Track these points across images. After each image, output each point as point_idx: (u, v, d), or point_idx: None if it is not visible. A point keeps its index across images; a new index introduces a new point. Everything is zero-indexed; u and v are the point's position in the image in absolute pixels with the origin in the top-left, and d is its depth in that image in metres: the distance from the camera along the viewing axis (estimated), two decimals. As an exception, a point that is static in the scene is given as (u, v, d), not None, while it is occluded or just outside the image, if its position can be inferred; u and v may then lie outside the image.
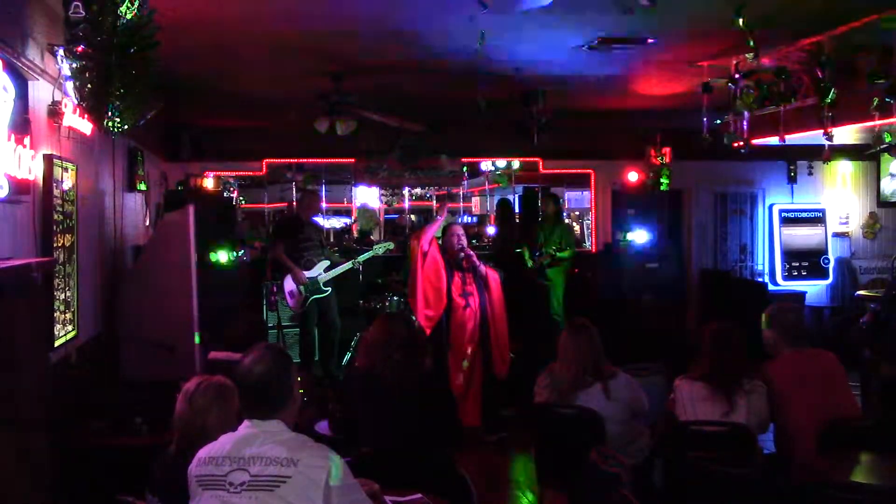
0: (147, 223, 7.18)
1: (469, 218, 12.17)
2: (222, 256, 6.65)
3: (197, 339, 5.05)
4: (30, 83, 3.66)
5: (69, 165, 4.20)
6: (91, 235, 4.91)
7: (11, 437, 2.94)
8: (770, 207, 10.31)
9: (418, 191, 11.45)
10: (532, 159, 10.00)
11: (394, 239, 9.46)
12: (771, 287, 9.89)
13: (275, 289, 7.66)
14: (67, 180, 4.16)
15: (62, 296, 4.09)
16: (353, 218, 10.99)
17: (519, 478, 5.53)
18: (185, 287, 5.17)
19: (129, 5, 3.52)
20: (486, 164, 10.58)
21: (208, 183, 8.43)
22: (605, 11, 4.63)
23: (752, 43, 4.75)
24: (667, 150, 9.20)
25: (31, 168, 3.54)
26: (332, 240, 10.01)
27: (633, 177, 9.54)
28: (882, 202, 10.20)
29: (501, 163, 10.39)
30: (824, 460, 3.49)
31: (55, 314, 3.94)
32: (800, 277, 10.12)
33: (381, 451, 3.39)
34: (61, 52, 3.62)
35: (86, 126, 4.39)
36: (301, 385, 2.90)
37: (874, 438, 3.61)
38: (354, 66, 6.10)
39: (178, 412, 2.84)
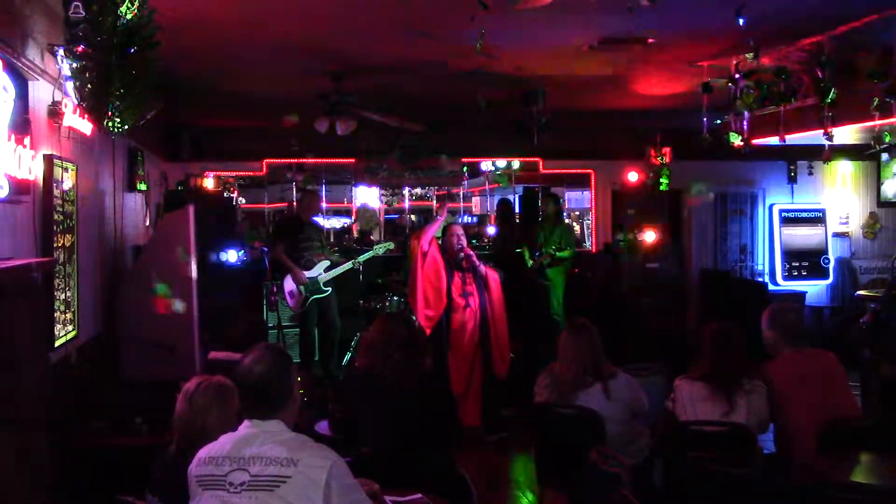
0: (147, 223, 7.18)
1: (469, 218, 12.17)
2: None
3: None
4: (30, 83, 3.66)
5: (69, 165, 4.20)
6: (91, 235, 4.92)
7: (11, 437, 2.94)
8: (770, 207, 10.31)
9: (418, 191, 11.45)
10: (532, 159, 10.00)
11: (394, 239, 9.46)
12: (771, 287, 9.89)
13: (275, 289, 7.66)
14: (67, 180, 4.16)
15: (62, 296, 4.09)
16: (353, 218, 10.99)
17: (519, 478, 5.53)
18: (185, 287, 5.17)
19: (129, 5, 3.53)
20: (486, 164, 10.58)
21: (208, 183, 8.43)
22: (605, 11, 4.63)
23: (752, 43, 4.75)
24: (667, 150, 9.20)
25: (31, 168, 3.54)
26: (332, 240, 10.01)
27: (633, 177, 9.54)
28: (882, 202, 10.21)
29: (501, 163, 10.39)
30: (824, 460, 3.49)
31: (55, 314, 3.94)
32: (800, 277, 10.13)
33: (381, 451, 3.39)
34: (61, 52, 3.62)
35: (86, 126, 4.39)
36: (301, 385, 2.91)
37: (874, 438, 3.61)
38: (354, 66, 6.10)
39: (178, 412, 2.84)
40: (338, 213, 11.35)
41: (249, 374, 2.46)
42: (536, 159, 9.97)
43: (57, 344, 3.96)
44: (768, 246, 10.34)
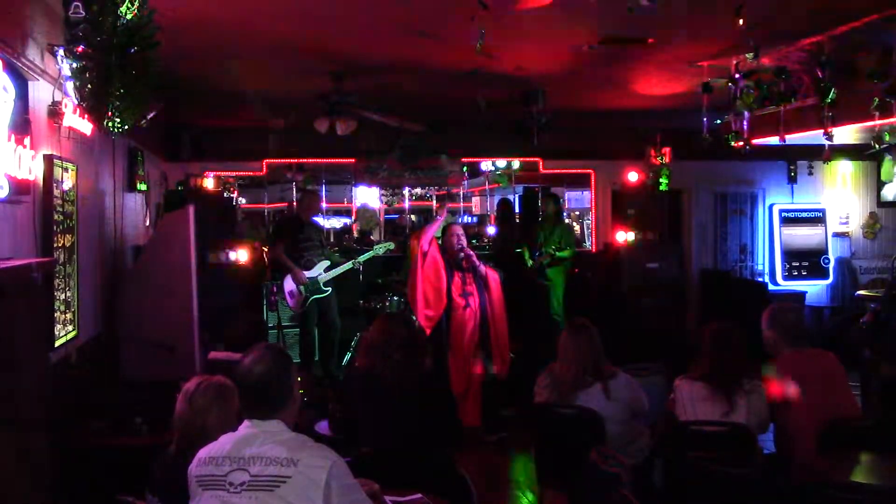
0: (147, 223, 7.18)
1: (469, 218, 12.17)
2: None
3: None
4: (30, 83, 3.67)
5: (69, 165, 4.20)
6: (91, 235, 4.91)
7: (11, 437, 2.94)
8: (770, 207, 10.31)
9: (418, 191, 11.43)
10: (532, 159, 10.00)
11: (394, 239, 9.46)
12: (771, 287, 9.89)
13: (275, 289, 7.66)
14: (67, 180, 4.16)
15: (62, 296, 4.09)
16: (353, 218, 10.99)
17: (519, 478, 5.53)
18: (185, 287, 5.17)
19: (129, 6, 3.53)
20: (486, 164, 10.58)
21: (208, 183, 8.42)
22: (605, 11, 4.63)
23: (752, 43, 4.75)
24: (667, 150, 9.20)
25: (31, 168, 3.54)
26: (332, 240, 10.01)
27: (633, 177, 9.54)
28: (882, 202, 10.21)
29: (501, 163, 10.39)
30: (824, 460, 3.49)
31: (55, 314, 3.94)
32: (800, 277, 10.13)
33: (381, 451, 3.39)
34: (61, 52, 3.62)
35: (86, 126, 4.39)
36: (301, 385, 2.91)
37: (874, 438, 3.61)
38: (354, 66, 6.10)
39: (178, 412, 2.84)
40: (338, 213, 11.35)
41: (249, 374, 2.46)
42: (536, 159, 9.97)
43: (57, 344, 3.96)
44: (768, 246, 10.34)
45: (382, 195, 11.63)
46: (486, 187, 11.89)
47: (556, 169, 10.08)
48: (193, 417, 2.79)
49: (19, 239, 3.55)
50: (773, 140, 6.15)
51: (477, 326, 6.29)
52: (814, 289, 10.05)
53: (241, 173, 9.57)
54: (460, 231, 6.48)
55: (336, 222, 11.46)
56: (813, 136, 5.70)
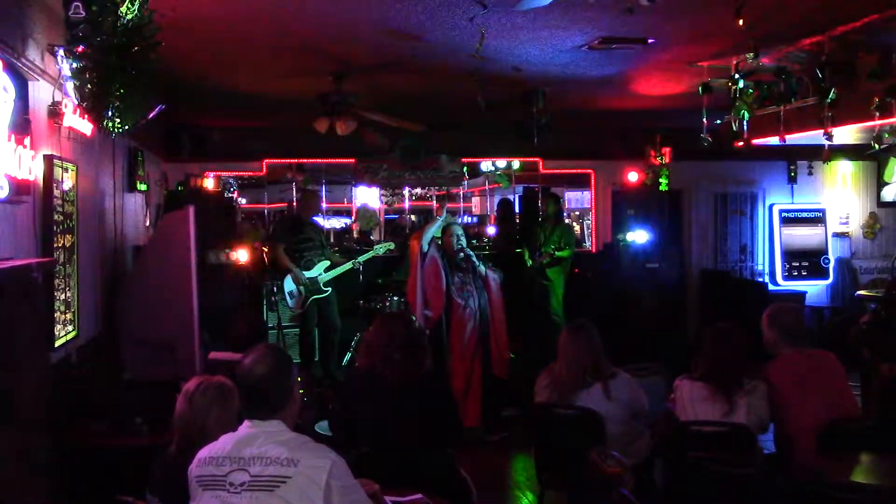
0: (147, 223, 7.18)
1: (469, 218, 12.17)
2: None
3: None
4: (30, 83, 3.67)
5: (69, 166, 4.20)
6: (91, 236, 4.92)
7: (11, 437, 2.94)
8: (770, 207, 10.31)
9: (418, 191, 11.44)
10: (532, 159, 10.00)
11: (394, 239, 9.46)
12: (771, 287, 9.89)
13: (275, 289, 7.66)
14: (68, 181, 4.16)
15: (62, 296, 4.10)
16: (353, 218, 10.99)
17: (519, 478, 5.53)
18: (185, 287, 5.17)
19: (129, 6, 3.52)
20: (486, 164, 10.58)
21: (208, 183, 8.43)
22: (605, 11, 4.63)
23: (752, 43, 4.74)
24: (667, 150, 9.19)
25: (31, 168, 3.54)
26: (332, 240, 10.01)
27: (633, 177, 9.54)
28: (882, 202, 10.21)
29: (501, 163, 10.39)
30: (824, 460, 3.49)
31: (55, 314, 3.94)
32: (800, 277, 10.13)
33: (381, 451, 3.39)
34: (61, 52, 3.62)
35: (86, 126, 4.39)
36: (301, 385, 2.91)
37: (874, 438, 3.61)
38: (354, 66, 6.10)
39: (178, 412, 2.85)
40: (338, 213, 11.35)
41: (250, 374, 2.47)
42: (536, 159, 9.97)
43: (57, 344, 3.96)
44: (768, 246, 10.34)
45: (382, 195, 11.64)
46: (486, 187, 11.89)
47: (556, 169, 10.08)
48: (194, 417, 2.79)
49: (19, 239, 3.55)
50: (773, 140, 6.14)
51: (477, 326, 6.29)
52: (814, 289, 10.05)
53: (241, 173, 9.57)
54: (460, 231, 6.49)
55: (336, 222, 11.46)
56: (813, 136, 5.69)
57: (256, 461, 2.32)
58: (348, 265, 7.74)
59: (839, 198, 10.41)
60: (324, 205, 9.53)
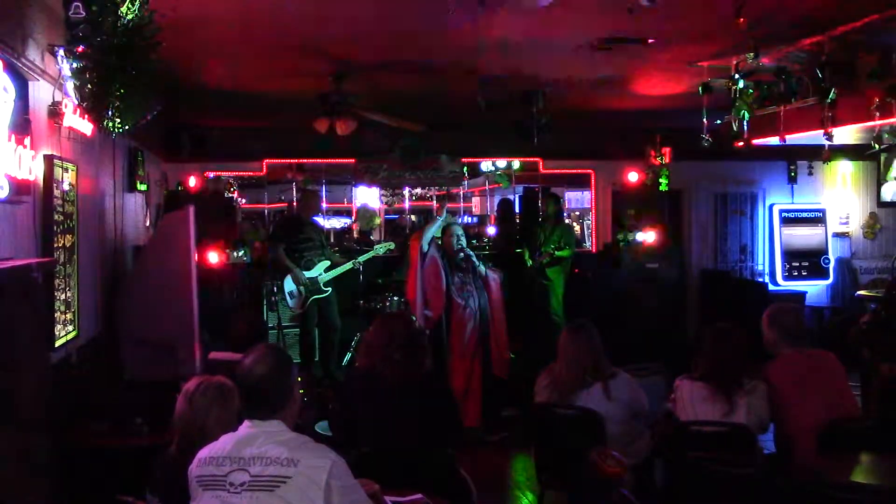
0: (147, 223, 7.18)
1: (469, 218, 12.17)
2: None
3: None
4: (30, 83, 3.67)
5: (69, 166, 4.20)
6: (91, 236, 4.92)
7: (11, 437, 2.94)
8: (770, 207, 10.31)
9: (418, 191, 11.45)
10: (532, 159, 10.00)
11: (394, 239, 9.46)
12: (771, 287, 9.89)
13: (275, 289, 7.66)
14: (68, 181, 4.16)
15: (63, 296, 4.10)
16: (353, 218, 10.99)
17: (519, 478, 5.53)
18: (185, 287, 5.17)
19: (129, 6, 3.52)
20: (486, 164, 10.58)
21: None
22: (605, 11, 4.63)
23: (752, 43, 4.74)
24: (667, 150, 9.19)
25: (31, 168, 3.54)
26: (332, 240, 10.01)
27: (633, 177, 9.54)
28: (882, 202, 10.21)
29: (501, 163, 10.39)
30: (824, 460, 3.49)
31: (56, 314, 3.94)
32: (800, 277, 10.13)
33: (382, 452, 3.39)
34: (62, 52, 3.62)
35: (86, 126, 4.39)
36: (301, 385, 2.91)
37: (874, 438, 3.61)
38: (354, 66, 6.10)
39: (178, 412, 2.85)
40: (338, 213, 11.35)
41: (250, 374, 2.47)
42: (536, 159, 9.97)
43: (57, 344, 3.96)
44: (768, 246, 10.34)
45: (382, 195, 11.64)
46: (486, 187, 11.89)
47: (556, 169, 10.07)
48: (194, 417, 2.79)
49: (19, 239, 3.55)
50: (773, 140, 6.14)
51: (477, 326, 6.29)
52: (814, 289, 10.05)
53: (241, 173, 9.58)
54: (460, 231, 6.49)
55: (336, 222, 11.46)
56: (813, 136, 5.69)
57: (256, 461, 2.32)
58: (348, 265, 7.74)
59: (839, 198, 10.41)
60: (324, 205, 9.53)
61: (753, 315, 4.31)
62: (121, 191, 5.95)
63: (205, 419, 2.77)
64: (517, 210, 9.89)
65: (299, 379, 2.67)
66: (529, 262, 8.48)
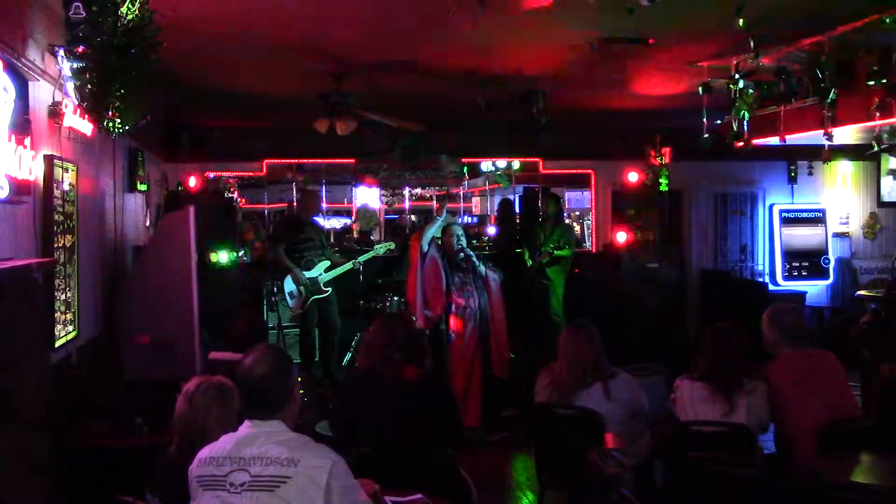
0: (147, 223, 7.18)
1: (469, 218, 12.17)
2: (222, 257, 6.65)
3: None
4: (30, 84, 3.66)
5: (69, 166, 4.20)
6: (91, 236, 4.92)
7: (11, 437, 2.94)
8: (770, 207, 10.31)
9: (418, 191, 11.45)
10: (532, 159, 10.00)
11: (394, 239, 9.46)
12: (771, 287, 9.89)
13: (275, 289, 7.66)
14: (68, 181, 4.16)
15: (63, 296, 4.10)
16: (353, 218, 10.99)
17: (519, 478, 5.53)
18: (185, 287, 5.17)
19: (129, 6, 3.53)
20: (486, 164, 10.58)
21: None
22: (605, 11, 4.63)
23: (752, 43, 4.74)
24: (667, 150, 9.19)
25: (31, 169, 3.54)
26: (332, 240, 10.00)
27: (633, 177, 9.54)
28: (882, 202, 10.21)
29: (501, 163, 10.39)
30: (824, 460, 3.49)
31: (56, 314, 3.94)
32: (800, 277, 10.13)
33: (382, 452, 3.39)
34: (62, 52, 3.62)
35: (86, 126, 4.39)
36: (301, 385, 2.91)
37: (874, 438, 3.61)
38: (354, 66, 6.10)
39: (178, 412, 2.85)
40: (338, 213, 11.35)
41: (250, 374, 2.47)
42: (536, 159, 9.97)
43: (57, 344, 3.96)
44: (768, 246, 10.34)
45: (382, 195, 11.64)
46: (486, 187, 11.89)
47: (556, 169, 10.08)
48: (194, 417, 2.79)
49: (20, 239, 3.55)
50: (773, 140, 6.14)
51: (477, 326, 6.29)
52: (814, 289, 10.05)
53: (241, 173, 9.58)
54: (460, 231, 6.49)
55: (336, 222, 11.46)
56: (813, 136, 5.69)
57: (257, 461, 2.32)
58: (348, 265, 7.74)
59: (839, 198, 10.41)
60: (324, 205, 9.53)
61: (753, 315, 4.31)
62: (121, 191, 5.95)
63: (205, 419, 2.77)
64: (517, 210, 9.89)
65: (299, 379, 2.67)
66: (529, 262, 8.47)
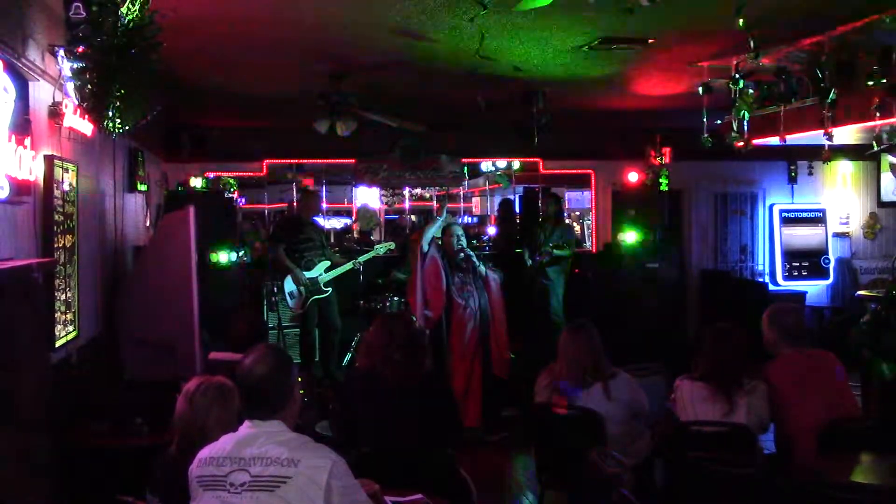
0: (147, 223, 7.18)
1: (469, 218, 12.17)
2: (222, 257, 6.65)
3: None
4: (30, 84, 3.67)
5: (70, 166, 4.20)
6: (91, 236, 4.92)
7: (11, 437, 2.94)
8: (770, 207, 10.31)
9: (418, 191, 11.45)
10: (532, 159, 10.00)
11: (394, 239, 9.46)
12: (771, 287, 9.89)
13: (275, 289, 7.66)
14: (68, 181, 4.16)
15: (63, 296, 4.10)
16: (353, 218, 10.99)
17: (519, 478, 5.53)
18: (185, 287, 5.17)
19: (130, 6, 3.53)
20: (486, 165, 10.57)
21: (208, 183, 8.44)
22: (605, 11, 4.63)
23: (752, 43, 4.74)
24: (667, 150, 9.18)
25: (31, 169, 3.54)
26: (332, 240, 10.00)
27: (633, 177, 9.53)
28: (882, 202, 10.21)
29: (501, 163, 10.39)
30: (824, 460, 3.49)
31: (56, 314, 3.94)
32: (800, 277, 10.13)
33: (382, 452, 3.39)
34: (62, 52, 3.62)
35: (86, 127, 4.39)
36: (301, 385, 2.91)
37: (874, 438, 3.62)
38: (354, 66, 6.10)
39: (178, 412, 2.85)
40: (338, 213, 11.35)
41: (250, 374, 2.47)
42: (536, 159, 9.96)
43: (57, 344, 3.96)
44: (768, 246, 10.34)
45: (382, 195, 11.65)
46: (486, 187, 11.89)
47: (556, 169, 10.07)
48: (194, 418, 2.79)
49: (20, 239, 3.55)
50: (774, 140, 6.14)
51: (477, 326, 6.29)
52: (814, 289, 10.05)
53: (241, 173, 9.58)
54: (460, 231, 6.49)
55: (336, 222, 11.46)
56: (813, 136, 5.69)
57: (257, 461, 2.32)
58: (349, 265, 7.74)
59: (839, 198, 10.41)
60: (324, 205, 9.53)
61: (753, 315, 4.31)
62: (121, 191, 5.95)
63: (205, 419, 2.77)
64: (517, 210, 9.89)
65: (299, 379, 2.67)
66: (529, 262, 8.47)
